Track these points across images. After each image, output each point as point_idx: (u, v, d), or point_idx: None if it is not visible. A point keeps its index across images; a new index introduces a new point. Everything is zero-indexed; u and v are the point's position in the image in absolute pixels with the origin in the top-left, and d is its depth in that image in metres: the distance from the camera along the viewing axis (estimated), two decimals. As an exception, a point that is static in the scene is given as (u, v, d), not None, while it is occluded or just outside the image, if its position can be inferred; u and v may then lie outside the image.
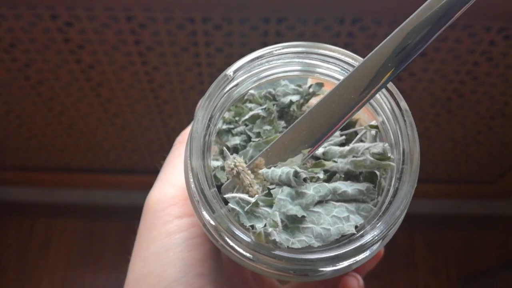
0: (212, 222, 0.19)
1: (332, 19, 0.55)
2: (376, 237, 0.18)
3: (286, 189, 0.20)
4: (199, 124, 0.20)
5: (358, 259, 0.19)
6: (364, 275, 0.30)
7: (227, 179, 0.22)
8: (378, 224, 0.19)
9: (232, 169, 0.21)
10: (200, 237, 0.23)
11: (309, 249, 0.19)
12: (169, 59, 0.61)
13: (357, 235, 0.19)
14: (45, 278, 1.02)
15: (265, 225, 0.19)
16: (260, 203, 0.20)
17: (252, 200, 0.20)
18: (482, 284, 0.99)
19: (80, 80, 0.66)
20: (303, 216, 0.19)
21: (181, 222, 0.23)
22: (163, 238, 0.22)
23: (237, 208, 0.20)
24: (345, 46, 0.58)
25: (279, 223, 0.19)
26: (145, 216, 0.24)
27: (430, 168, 0.92)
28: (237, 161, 0.21)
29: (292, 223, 0.19)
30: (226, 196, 0.21)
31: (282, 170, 0.20)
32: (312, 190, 0.20)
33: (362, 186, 0.20)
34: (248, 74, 0.22)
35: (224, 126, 0.23)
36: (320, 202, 0.20)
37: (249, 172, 0.21)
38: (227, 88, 0.22)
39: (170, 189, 0.24)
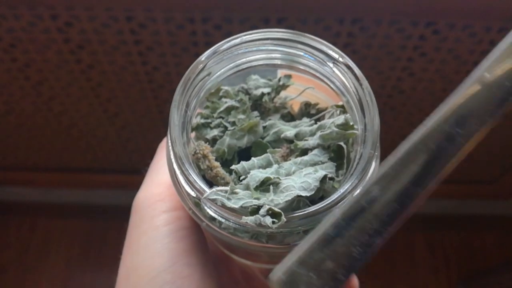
0: (193, 193, 0.20)
1: (332, 19, 0.55)
2: (345, 192, 0.19)
3: (256, 161, 0.22)
4: (176, 110, 0.21)
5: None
6: (362, 274, 0.30)
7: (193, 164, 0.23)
8: (350, 178, 0.20)
9: (196, 153, 0.22)
10: (187, 229, 0.23)
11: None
12: (169, 59, 0.61)
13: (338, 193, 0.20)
14: (45, 278, 1.02)
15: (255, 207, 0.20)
16: (237, 188, 0.21)
17: (227, 188, 0.20)
18: (482, 284, 0.99)
19: (80, 80, 0.66)
20: (278, 178, 0.21)
21: (168, 216, 0.23)
22: (151, 231, 0.23)
23: (219, 197, 0.20)
24: (345, 46, 0.58)
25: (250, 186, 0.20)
26: (133, 214, 0.25)
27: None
28: (200, 145, 0.22)
29: (269, 187, 0.20)
30: (205, 195, 0.21)
31: (257, 160, 0.22)
32: (283, 169, 0.21)
33: (315, 151, 0.22)
34: (221, 62, 0.23)
35: (202, 121, 0.25)
36: (288, 175, 0.21)
37: (211, 156, 0.22)
38: (200, 76, 0.23)
39: (156, 188, 0.25)
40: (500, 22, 0.54)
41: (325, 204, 0.19)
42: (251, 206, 0.19)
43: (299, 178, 0.20)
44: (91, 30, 0.56)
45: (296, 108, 0.26)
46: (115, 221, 1.09)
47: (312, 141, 0.22)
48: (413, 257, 1.06)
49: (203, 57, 0.22)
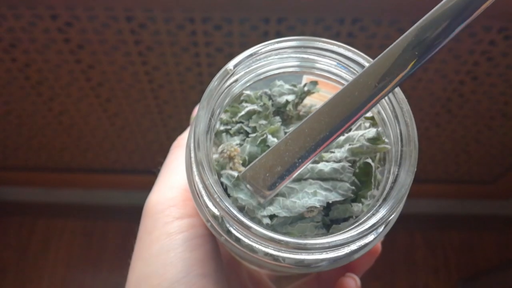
0: (217, 212, 0.20)
1: (332, 19, 0.55)
2: (380, 221, 0.19)
3: None
4: (203, 119, 0.20)
5: (362, 245, 0.19)
6: (362, 275, 0.30)
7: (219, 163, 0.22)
8: (381, 209, 0.19)
9: (223, 151, 0.22)
10: (201, 237, 0.23)
11: (312, 237, 0.19)
12: (169, 59, 0.61)
13: (361, 221, 0.19)
14: (45, 278, 1.02)
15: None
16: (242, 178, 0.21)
17: (236, 174, 0.21)
18: (482, 284, 0.99)
19: (80, 80, 0.66)
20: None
21: (182, 223, 0.23)
22: (163, 239, 0.22)
23: (226, 181, 0.21)
24: (345, 46, 0.58)
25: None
26: (144, 218, 0.24)
27: (430, 168, 0.92)
28: (229, 145, 0.22)
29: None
30: (221, 172, 0.21)
31: None
32: None
33: (338, 165, 0.20)
34: (247, 70, 0.22)
35: (222, 127, 0.24)
36: (300, 179, 0.21)
37: (238, 159, 0.22)
38: (227, 84, 0.22)
39: (169, 191, 0.24)
40: (500, 22, 0.54)
41: (352, 235, 0.18)
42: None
43: (299, 191, 0.20)
44: (91, 30, 0.56)
45: None
46: (115, 221, 1.09)
47: (340, 154, 0.21)
48: (413, 257, 1.06)
49: (232, 63, 0.22)
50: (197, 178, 0.20)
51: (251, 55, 0.22)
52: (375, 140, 0.20)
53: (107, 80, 0.66)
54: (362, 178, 0.21)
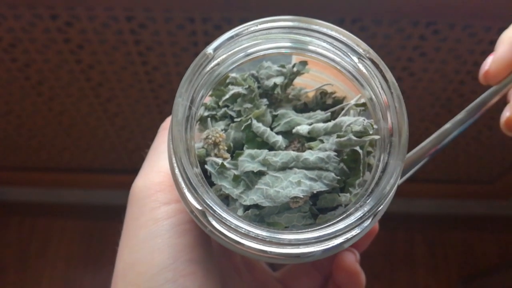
0: (198, 206, 0.19)
1: (332, 19, 0.55)
2: (367, 213, 0.18)
3: (247, 151, 0.20)
4: (180, 107, 0.20)
5: (349, 237, 0.19)
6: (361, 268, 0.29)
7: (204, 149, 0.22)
8: (368, 200, 0.18)
9: (208, 137, 0.21)
10: (189, 223, 0.22)
11: (299, 229, 0.19)
12: (169, 59, 0.61)
13: (347, 212, 0.19)
14: (45, 278, 1.02)
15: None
16: (227, 165, 0.20)
17: (220, 161, 0.20)
18: (482, 284, 0.99)
19: (80, 80, 0.66)
20: (260, 172, 0.20)
21: (169, 208, 0.22)
22: (150, 225, 0.22)
23: (210, 169, 0.20)
24: (345, 46, 0.58)
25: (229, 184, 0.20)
26: (131, 204, 0.23)
27: (430, 168, 0.92)
28: (214, 131, 0.21)
29: (251, 182, 0.20)
30: (206, 159, 0.21)
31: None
32: (278, 157, 0.20)
33: (323, 154, 0.20)
34: (230, 52, 0.21)
35: (206, 113, 0.23)
36: (284, 168, 0.20)
37: (223, 145, 0.21)
38: (208, 68, 0.21)
39: (156, 176, 0.23)
40: (500, 22, 0.54)
41: (337, 230, 0.18)
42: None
43: (283, 180, 0.19)
44: (91, 30, 0.56)
45: (310, 94, 0.24)
46: (115, 221, 1.08)
47: (328, 145, 0.20)
48: (413, 257, 1.06)
49: (212, 46, 0.20)
50: (176, 170, 0.19)
51: (232, 37, 0.21)
52: (362, 133, 0.20)
53: (107, 80, 0.66)
54: (350, 164, 0.21)
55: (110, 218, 1.06)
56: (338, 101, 0.24)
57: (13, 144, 0.87)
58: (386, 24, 0.55)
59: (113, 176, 0.99)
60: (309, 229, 0.18)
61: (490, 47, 0.58)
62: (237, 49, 0.21)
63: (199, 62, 0.20)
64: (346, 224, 0.18)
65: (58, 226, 1.07)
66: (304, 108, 0.24)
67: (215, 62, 0.21)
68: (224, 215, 0.18)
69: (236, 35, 0.21)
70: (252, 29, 0.21)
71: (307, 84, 0.24)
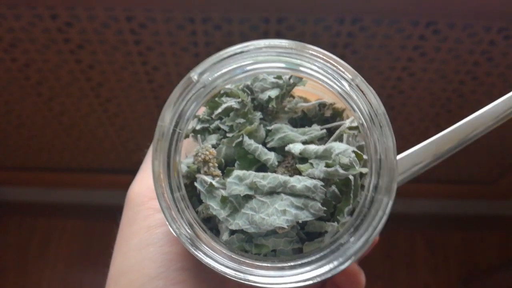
0: (175, 233, 0.20)
1: (332, 19, 0.54)
2: (348, 257, 0.19)
3: (236, 172, 0.20)
4: (165, 131, 0.20)
5: (330, 274, 0.19)
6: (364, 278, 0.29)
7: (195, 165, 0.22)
8: (352, 239, 0.19)
9: (198, 155, 0.21)
10: None
11: (285, 254, 0.20)
12: (169, 59, 0.61)
13: (331, 247, 0.19)
14: (45, 278, 1.02)
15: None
16: (216, 185, 0.20)
17: (209, 181, 0.20)
18: (482, 284, 0.99)
19: (80, 80, 0.66)
20: (247, 196, 0.20)
21: (162, 216, 0.22)
22: (143, 233, 0.22)
23: (199, 187, 0.21)
24: (345, 46, 0.58)
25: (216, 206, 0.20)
26: (126, 209, 0.24)
27: (430, 168, 0.92)
28: (204, 148, 0.21)
29: (239, 205, 0.20)
30: (196, 175, 0.21)
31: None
32: (265, 181, 0.20)
33: (309, 183, 0.20)
34: (216, 75, 0.21)
35: (199, 126, 0.22)
36: (272, 193, 0.20)
37: (214, 162, 0.21)
38: (193, 92, 0.20)
39: (151, 182, 0.23)
40: (500, 22, 0.54)
41: (324, 261, 0.19)
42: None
43: (270, 206, 0.20)
44: (91, 30, 0.56)
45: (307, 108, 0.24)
46: (115, 221, 1.08)
47: (317, 172, 0.20)
48: (413, 257, 1.06)
49: (197, 70, 0.20)
50: (159, 191, 0.20)
51: (220, 61, 0.20)
52: (349, 167, 0.20)
53: (107, 80, 0.66)
54: (342, 188, 0.20)
55: (110, 218, 1.06)
56: (338, 112, 0.24)
57: (13, 144, 0.87)
58: (386, 24, 0.55)
59: (113, 176, 0.99)
60: (285, 271, 0.19)
61: (490, 47, 0.58)
62: (223, 71, 0.21)
63: (183, 86, 0.20)
64: (325, 270, 0.19)
65: (58, 226, 1.07)
66: (302, 116, 0.24)
67: (200, 85, 0.21)
68: (199, 244, 0.19)
69: (223, 58, 0.20)
70: (246, 48, 0.21)
71: (307, 91, 0.24)
